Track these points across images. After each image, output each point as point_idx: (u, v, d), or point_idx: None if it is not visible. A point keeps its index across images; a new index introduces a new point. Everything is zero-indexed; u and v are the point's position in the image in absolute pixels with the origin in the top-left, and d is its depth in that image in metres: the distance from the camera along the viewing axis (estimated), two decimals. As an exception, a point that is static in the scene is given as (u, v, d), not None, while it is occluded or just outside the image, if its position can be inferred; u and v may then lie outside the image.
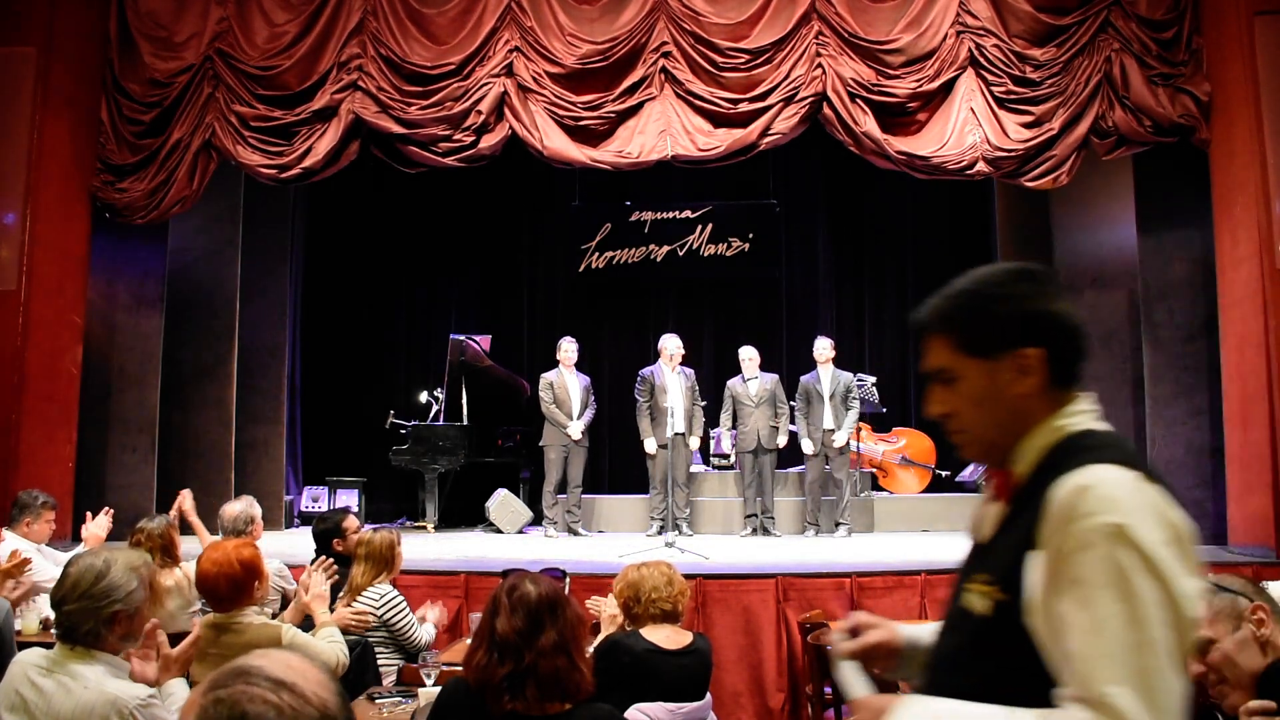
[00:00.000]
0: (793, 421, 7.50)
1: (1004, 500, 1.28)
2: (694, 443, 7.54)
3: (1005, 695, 1.13)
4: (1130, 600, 1.05)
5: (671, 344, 7.50)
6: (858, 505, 7.61)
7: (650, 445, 7.36)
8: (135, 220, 6.78)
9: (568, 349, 7.68)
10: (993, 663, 1.19)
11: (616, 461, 9.38)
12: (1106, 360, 6.94)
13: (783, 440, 7.49)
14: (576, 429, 7.46)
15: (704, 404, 7.67)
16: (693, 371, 7.66)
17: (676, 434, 7.13)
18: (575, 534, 7.44)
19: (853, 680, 1.37)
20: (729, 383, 7.63)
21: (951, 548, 5.09)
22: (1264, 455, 5.46)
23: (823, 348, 7.48)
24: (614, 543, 6.74)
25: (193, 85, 6.71)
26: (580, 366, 7.79)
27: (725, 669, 4.87)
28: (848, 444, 7.34)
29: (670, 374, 7.43)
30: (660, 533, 6.93)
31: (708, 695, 3.12)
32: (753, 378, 7.48)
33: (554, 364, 7.71)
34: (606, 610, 3.37)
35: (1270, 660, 1.93)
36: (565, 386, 7.58)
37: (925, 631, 1.43)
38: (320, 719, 1.01)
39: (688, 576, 3.42)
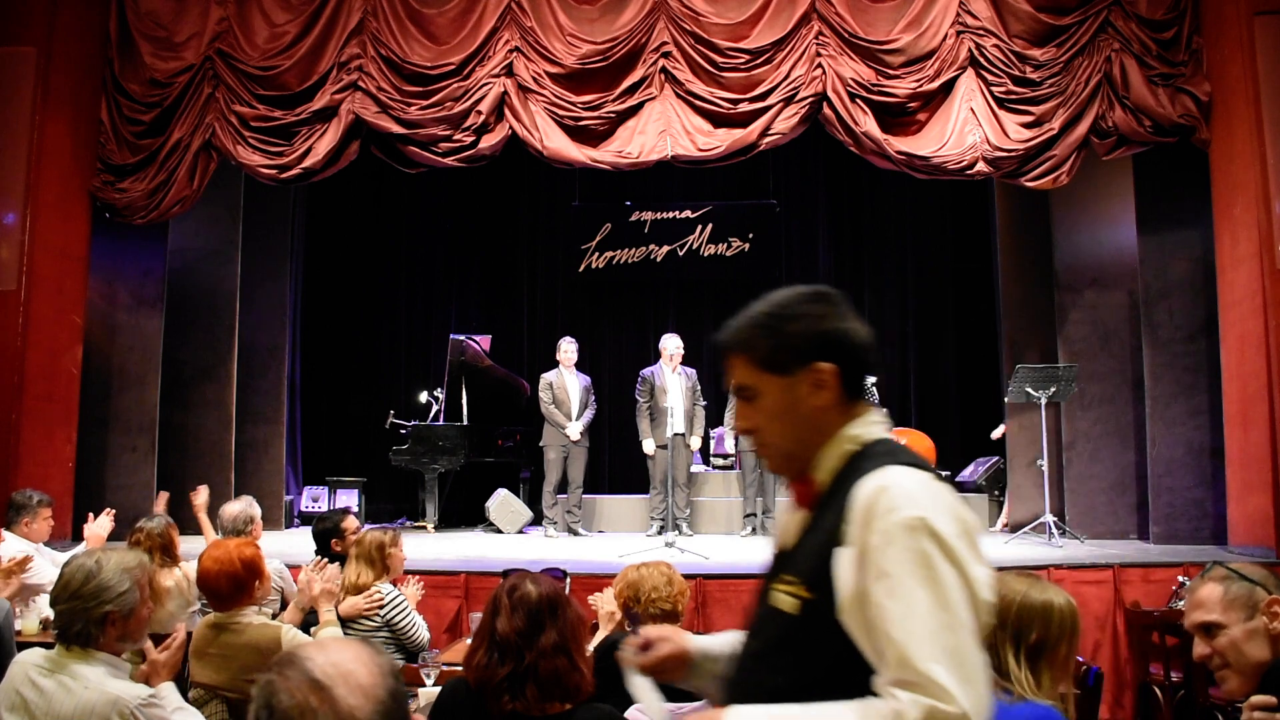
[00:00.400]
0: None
1: (806, 507, 1.34)
2: (695, 443, 7.53)
3: (816, 690, 1.18)
4: (936, 585, 1.13)
5: (672, 344, 7.50)
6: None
7: (648, 446, 7.35)
8: (135, 220, 6.78)
9: (567, 349, 7.68)
10: (803, 659, 1.24)
11: (616, 461, 9.38)
12: (1106, 360, 6.94)
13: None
14: (575, 429, 7.46)
15: (704, 404, 7.67)
16: (694, 371, 7.65)
17: (676, 434, 7.13)
18: (575, 534, 7.44)
19: (647, 696, 1.41)
20: (735, 381, 7.60)
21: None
22: (1264, 455, 5.46)
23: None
24: (614, 543, 6.74)
25: (193, 85, 6.71)
26: (580, 366, 7.79)
27: (725, 669, 4.85)
28: None
29: (670, 374, 7.42)
30: (660, 533, 6.92)
31: (708, 695, 3.11)
32: (757, 377, 7.46)
33: (554, 364, 7.71)
34: (605, 607, 3.36)
35: (1277, 655, 1.93)
36: (565, 387, 7.58)
37: (716, 642, 1.50)
38: None
39: (688, 576, 3.41)
